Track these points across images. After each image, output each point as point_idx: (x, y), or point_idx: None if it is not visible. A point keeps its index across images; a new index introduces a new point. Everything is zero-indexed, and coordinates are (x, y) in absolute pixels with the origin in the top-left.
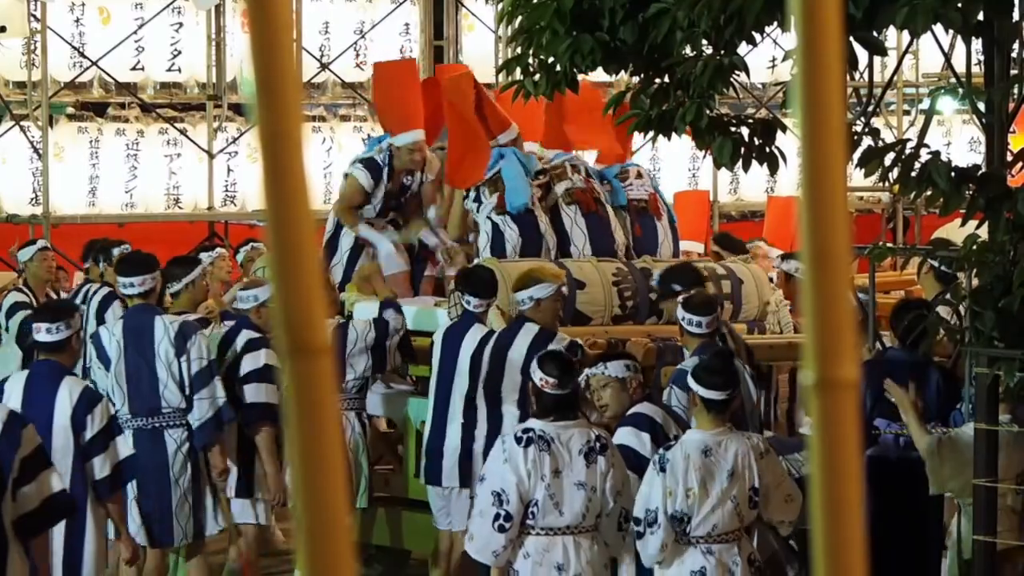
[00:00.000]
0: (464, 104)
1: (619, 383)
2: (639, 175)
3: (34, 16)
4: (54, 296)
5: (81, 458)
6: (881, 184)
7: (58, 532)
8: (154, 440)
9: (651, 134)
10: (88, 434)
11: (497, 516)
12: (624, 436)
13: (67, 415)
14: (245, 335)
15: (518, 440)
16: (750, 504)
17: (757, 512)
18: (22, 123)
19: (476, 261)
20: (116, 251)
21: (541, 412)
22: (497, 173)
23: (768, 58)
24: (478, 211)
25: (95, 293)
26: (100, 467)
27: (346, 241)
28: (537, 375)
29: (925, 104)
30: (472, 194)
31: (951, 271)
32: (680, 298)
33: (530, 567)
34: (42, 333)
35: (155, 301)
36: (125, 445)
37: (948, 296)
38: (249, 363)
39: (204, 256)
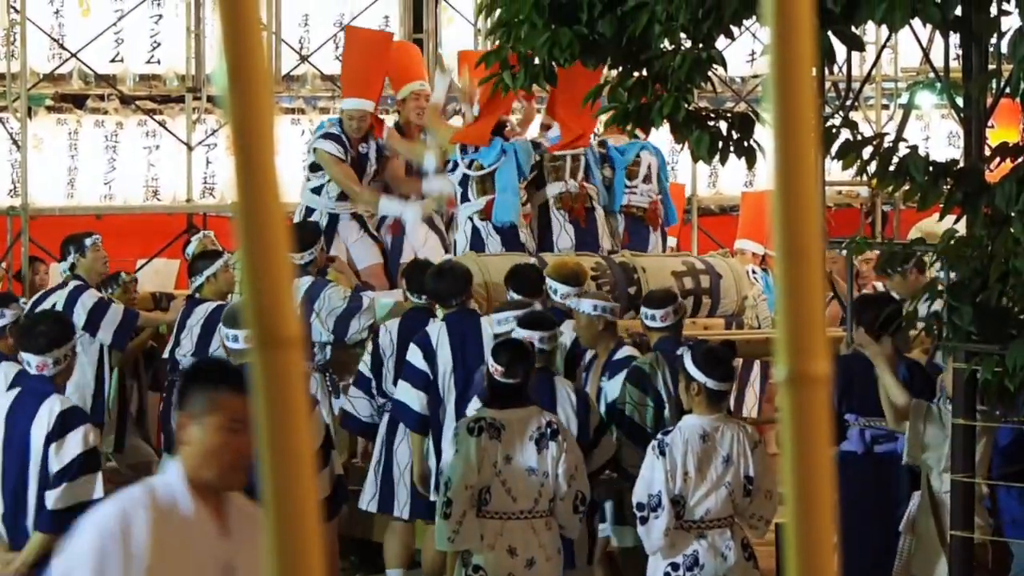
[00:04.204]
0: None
1: None
2: (647, 178)
3: (13, 7)
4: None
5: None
6: (859, 178)
7: None
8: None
9: (629, 127)
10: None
11: (442, 504)
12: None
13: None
14: None
15: (470, 430)
16: (744, 492)
17: (750, 500)
18: (0, 115)
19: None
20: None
21: (492, 399)
22: (491, 174)
23: (747, 52)
24: (461, 203)
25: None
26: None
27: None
28: (489, 362)
29: (903, 98)
30: (458, 175)
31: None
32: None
33: (484, 550)
34: None
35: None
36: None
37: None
38: None
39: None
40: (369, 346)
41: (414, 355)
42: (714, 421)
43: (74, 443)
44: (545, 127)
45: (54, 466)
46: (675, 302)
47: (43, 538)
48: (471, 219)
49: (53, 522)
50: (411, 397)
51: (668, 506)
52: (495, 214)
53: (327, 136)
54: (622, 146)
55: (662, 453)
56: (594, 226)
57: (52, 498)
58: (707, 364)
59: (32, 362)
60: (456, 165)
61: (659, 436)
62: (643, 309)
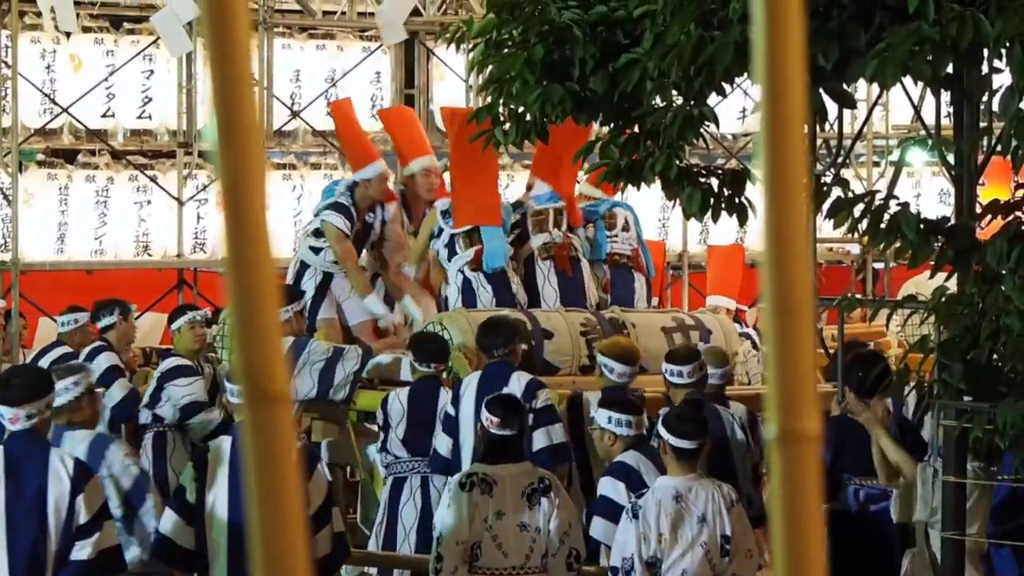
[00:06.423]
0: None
1: (601, 432)
2: (626, 227)
3: (5, 62)
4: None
5: None
6: (850, 235)
7: None
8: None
9: (621, 184)
10: None
11: (433, 560)
12: (603, 486)
13: None
14: None
15: (461, 485)
16: (721, 552)
17: (729, 560)
18: None
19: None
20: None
21: (486, 453)
22: (476, 228)
23: (738, 109)
24: (449, 260)
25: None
26: None
27: (309, 288)
28: (483, 415)
29: (895, 156)
30: (444, 239)
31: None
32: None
33: None
34: None
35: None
36: None
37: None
38: None
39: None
40: (379, 414)
41: (449, 399)
42: (687, 481)
43: (98, 492)
44: (528, 187)
45: (83, 517)
46: (699, 358)
47: None
48: (461, 271)
49: (83, 573)
50: (440, 441)
51: (641, 569)
52: (485, 262)
53: (335, 207)
54: (594, 203)
55: (635, 516)
56: (580, 276)
57: (86, 549)
58: (670, 422)
59: (6, 415)
60: (441, 231)
61: (632, 499)
62: (667, 366)
